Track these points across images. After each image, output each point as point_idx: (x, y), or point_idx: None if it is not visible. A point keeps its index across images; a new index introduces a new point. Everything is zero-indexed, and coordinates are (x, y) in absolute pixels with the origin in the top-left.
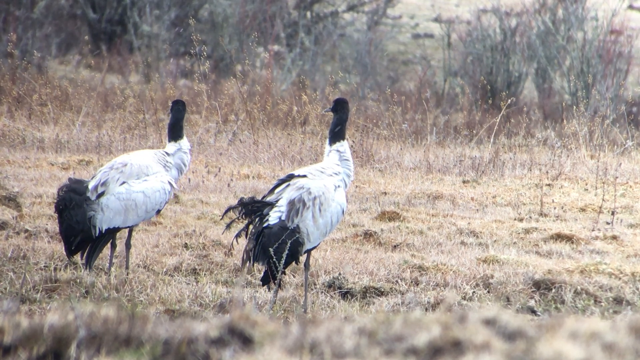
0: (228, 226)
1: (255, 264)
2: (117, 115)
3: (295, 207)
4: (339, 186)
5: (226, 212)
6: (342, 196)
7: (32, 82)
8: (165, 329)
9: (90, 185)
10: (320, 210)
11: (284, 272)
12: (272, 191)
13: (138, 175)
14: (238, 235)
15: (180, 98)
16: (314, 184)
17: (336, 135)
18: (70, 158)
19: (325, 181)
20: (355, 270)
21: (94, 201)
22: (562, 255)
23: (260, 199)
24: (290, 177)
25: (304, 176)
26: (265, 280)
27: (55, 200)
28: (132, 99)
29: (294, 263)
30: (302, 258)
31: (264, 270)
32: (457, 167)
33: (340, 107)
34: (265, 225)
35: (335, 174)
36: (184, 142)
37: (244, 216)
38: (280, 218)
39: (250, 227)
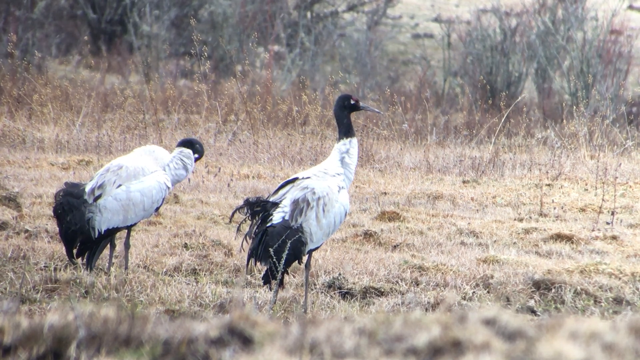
0: (238, 229)
1: (257, 263)
2: (117, 115)
3: (299, 207)
4: (342, 187)
5: (233, 213)
6: (345, 197)
7: (32, 82)
8: (165, 329)
9: (87, 188)
10: (323, 210)
11: (286, 272)
12: (276, 192)
13: (135, 176)
14: (248, 235)
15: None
16: (318, 184)
17: (339, 132)
18: (70, 158)
19: (329, 182)
20: (355, 270)
21: (91, 204)
22: (562, 255)
23: (265, 198)
24: (295, 179)
25: (308, 178)
26: (266, 280)
27: (53, 205)
28: (132, 99)
29: (296, 263)
30: (304, 258)
31: (265, 269)
32: (457, 167)
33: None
34: (268, 224)
35: (338, 174)
36: (183, 151)
37: (250, 217)
38: (283, 218)
39: (254, 226)
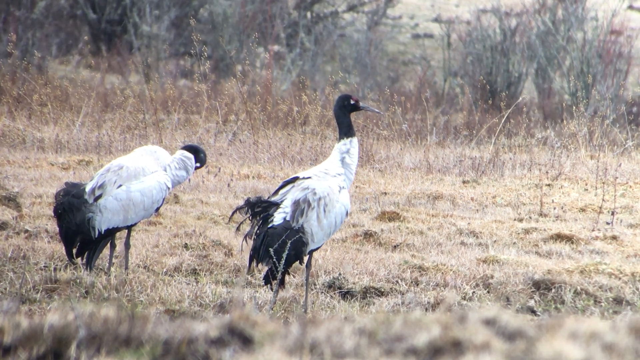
0: (238, 228)
1: (259, 264)
2: (117, 115)
3: (300, 207)
4: (343, 187)
5: (233, 213)
6: (346, 197)
7: (32, 82)
8: (165, 329)
9: (88, 188)
10: (324, 211)
11: (288, 272)
12: (276, 192)
13: (136, 176)
14: (248, 236)
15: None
16: (319, 184)
17: (339, 132)
18: (70, 158)
19: (330, 182)
20: (355, 270)
21: (92, 204)
22: (562, 256)
23: (266, 199)
24: (295, 179)
25: (309, 178)
26: (267, 280)
27: (54, 206)
28: (132, 99)
29: (296, 263)
30: (305, 258)
31: (266, 269)
32: (457, 167)
33: None
34: (269, 225)
35: (338, 174)
36: (184, 153)
37: (251, 217)
38: (285, 219)
39: (255, 227)
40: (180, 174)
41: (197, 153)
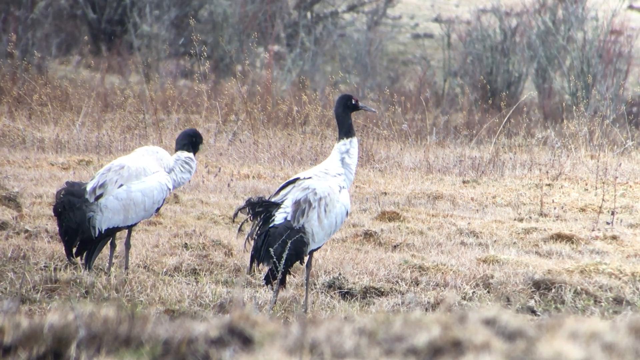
0: (240, 229)
1: (260, 264)
2: (117, 115)
3: (300, 207)
4: (343, 187)
5: (236, 214)
6: (346, 197)
7: (32, 82)
8: (165, 329)
9: (88, 188)
10: (325, 210)
11: (289, 272)
12: (277, 193)
13: (137, 176)
14: (250, 236)
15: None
16: (320, 184)
17: (339, 132)
18: (70, 158)
19: (330, 182)
20: (355, 270)
21: (92, 203)
22: (562, 255)
23: (267, 199)
24: (296, 180)
25: (309, 178)
26: (268, 280)
27: (54, 204)
28: (132, 99)
29: (297, 263)
30: (306, 258)
31: (267, 269)
32: (457, 167)
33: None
34: (271, 225)
35: (339, 174)
36: (186, 154)
37: (252, 217)
38: (285, 219)
39: (256, 227)
40: (185, 177)
41: (192, 139)
